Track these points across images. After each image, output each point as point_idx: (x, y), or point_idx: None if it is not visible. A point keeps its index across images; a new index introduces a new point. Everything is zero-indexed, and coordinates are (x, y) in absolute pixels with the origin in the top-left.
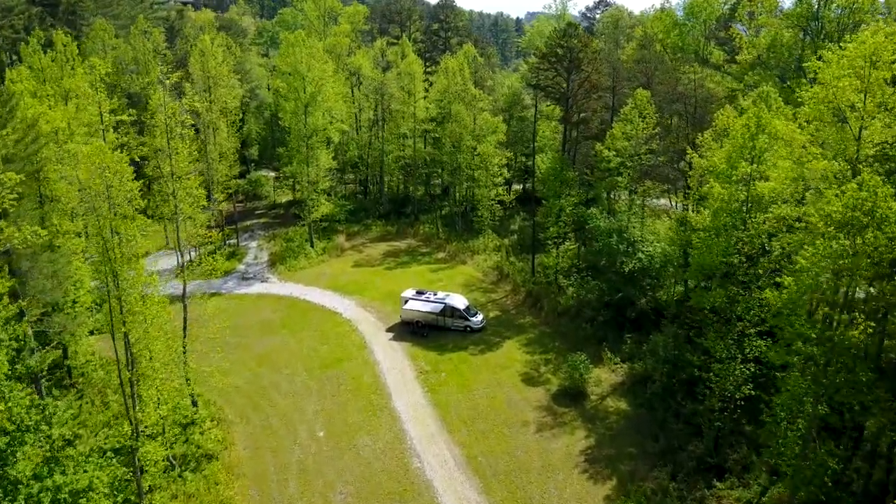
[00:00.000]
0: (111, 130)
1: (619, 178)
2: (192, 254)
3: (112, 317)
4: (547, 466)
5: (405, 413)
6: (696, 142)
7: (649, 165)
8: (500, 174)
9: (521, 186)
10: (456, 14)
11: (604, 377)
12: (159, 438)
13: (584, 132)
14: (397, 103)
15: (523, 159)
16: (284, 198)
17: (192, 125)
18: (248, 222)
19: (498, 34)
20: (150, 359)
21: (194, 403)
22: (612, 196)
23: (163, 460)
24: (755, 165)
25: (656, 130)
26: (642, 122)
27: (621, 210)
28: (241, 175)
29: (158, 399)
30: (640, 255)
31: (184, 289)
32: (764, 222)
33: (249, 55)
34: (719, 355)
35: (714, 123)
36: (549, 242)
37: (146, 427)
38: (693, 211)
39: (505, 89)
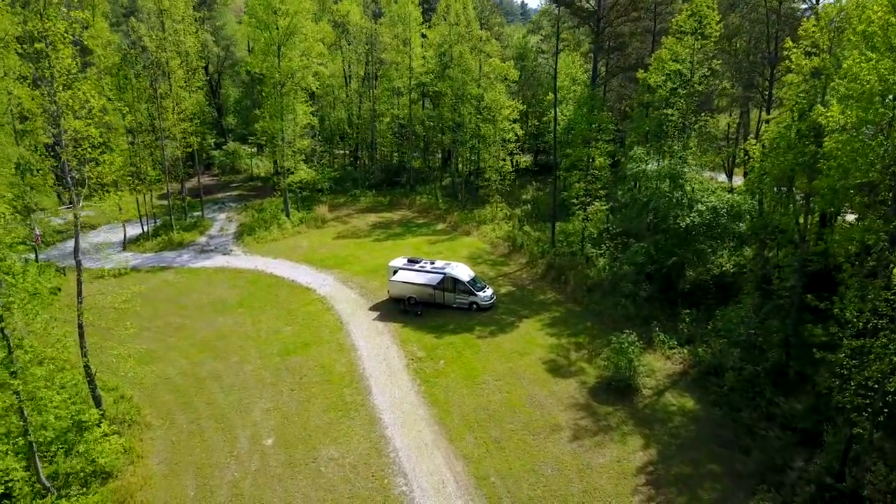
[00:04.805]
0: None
1: (670, 111)
2: (151, 224)
3: None
4: (592, 491)
5: (389, 413)
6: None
7: (708, 92)
8: (511, 129)
9: (534, 157)
10: None
11: (657, 365)
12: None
13: (618, 61)
14: (390, 53)
15: (536, 122)
16: (264, 171)
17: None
18: (221, 194)
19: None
20: None
21: (97, 401)
22: (656, 137)
23: (25, 482)
24: None
25: (718, 48)
26: (700, 36)
27: (674, 150)
28: (218, 146)
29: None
30: (699, 206)
31: (76, 242)
32: None
33: (225, 10)
34: (859, 323)
35: (819, 14)
36: (575, 202)
37: None
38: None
39: (515, 40)
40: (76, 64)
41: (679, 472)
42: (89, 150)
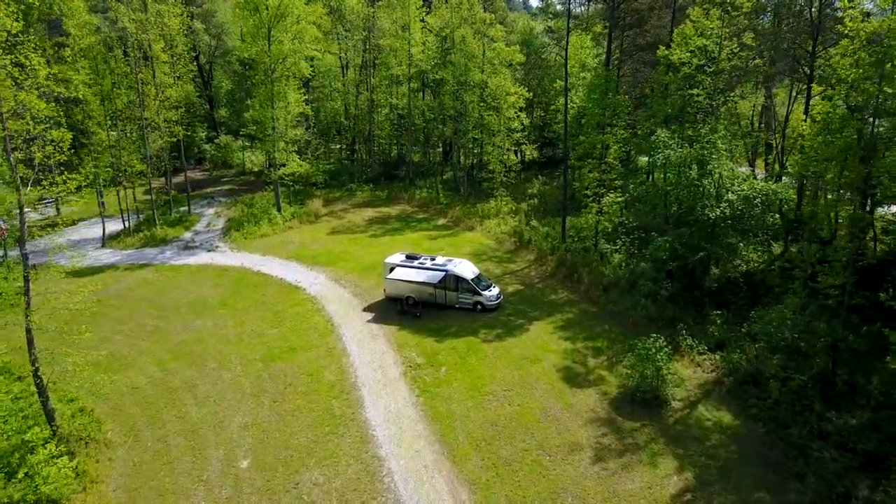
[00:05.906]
0: None
1: (695, 91)
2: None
3: None
4: None
5: (383, 429)
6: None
7: (737, 72)
8: (517, 118)
9: (540, 149)
10: None
11: (686, 374)
12: None
13: (634, 40)
14: (389, 39)
15: (542, 113)
16: (257, 165)
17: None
18: (211, 189)
19: None
20: None
21: (49, 416)
22: (678, 121)
23: None
24: None
25: (747, 22)
26: (730, 7)
27: (700, 134)
28: (210, 140)
29: None
30: (730, 196)
31: (21, 232)
32: None
33: None
34: None
35: None
36: (587, 194)
37: None
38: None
39: (520, 26)
40: (18, 24)
41: (722, 502)
42: (32, 124)
